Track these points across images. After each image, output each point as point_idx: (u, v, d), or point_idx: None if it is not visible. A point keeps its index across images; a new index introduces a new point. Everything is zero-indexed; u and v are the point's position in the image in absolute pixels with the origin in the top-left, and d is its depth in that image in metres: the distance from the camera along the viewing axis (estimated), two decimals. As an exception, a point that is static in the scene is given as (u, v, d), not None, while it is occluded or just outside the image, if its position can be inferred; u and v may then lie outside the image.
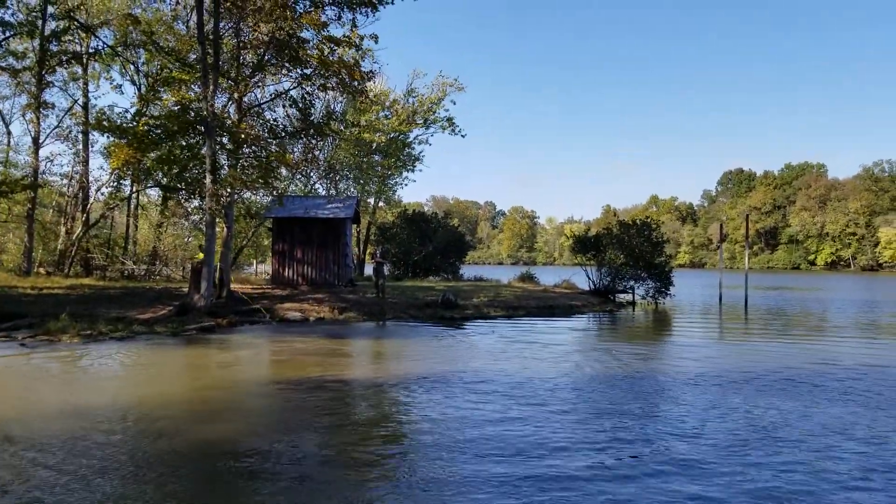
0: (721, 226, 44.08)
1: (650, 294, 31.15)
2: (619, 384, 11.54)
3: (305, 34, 22.70)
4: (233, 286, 24.27)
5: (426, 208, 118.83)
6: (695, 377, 12.20)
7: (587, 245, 32.05)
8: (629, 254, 30.55)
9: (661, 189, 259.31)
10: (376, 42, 23.66)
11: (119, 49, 31.23)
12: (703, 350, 16.20)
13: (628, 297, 31.75)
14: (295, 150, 30.40)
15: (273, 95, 26.02)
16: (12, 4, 27.66)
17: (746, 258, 34.00)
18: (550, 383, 11.46)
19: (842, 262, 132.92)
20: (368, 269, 37.71)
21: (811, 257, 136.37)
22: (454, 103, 49.75)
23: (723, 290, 33.68)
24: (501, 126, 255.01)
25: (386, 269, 26.44)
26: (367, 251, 45.06)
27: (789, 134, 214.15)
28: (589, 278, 32.18)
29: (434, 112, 44.08)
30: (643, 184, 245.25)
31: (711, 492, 6.33)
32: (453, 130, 44.50)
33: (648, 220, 33.61)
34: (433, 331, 19.55)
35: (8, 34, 27.49)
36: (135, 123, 22.60)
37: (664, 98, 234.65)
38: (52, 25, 29.93)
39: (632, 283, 31.36)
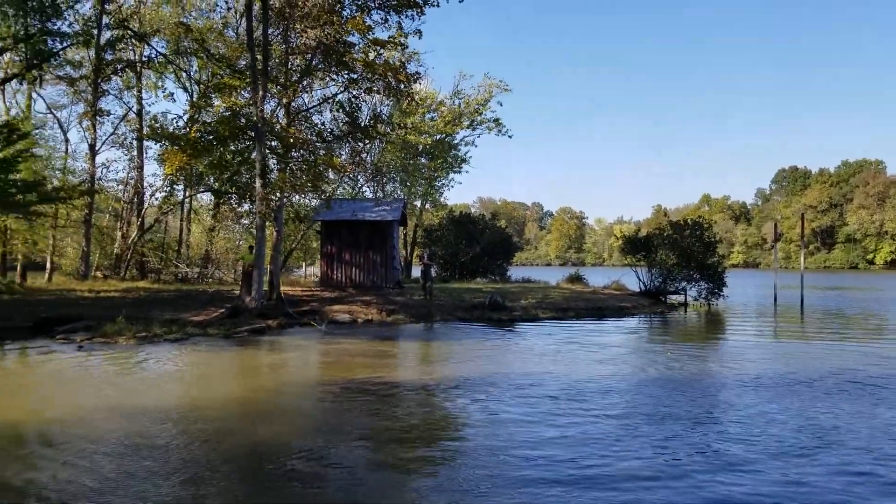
0: (775, 225, 43.05)
1: (702, 295, 30.53)
2: (673, 387, 11.29)
3: (352, 38, 22.86)
4: (282, 289, 24.54)
5: (473, 210, 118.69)
6: (751, 380, 11.87)
7: (637, 246, 31.57)
8: (681, 254, 29.99)
9: (714, 188, 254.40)
10: (420, 37, 23.67)
11: (171, 57, 31.87)
12: (758, 352, 15.78)
13: (680, 298, 31.15)
14: (342, 153, 30.63)
15: (321, 100, 26.26)
16: (69, 15, 28.44)
17: (802, 258, 33.14)
18: (601, 386, 11.28)
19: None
20: (416, 272, 37.78)
21: (869, 256, 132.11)
22: (500, 104, 49.60)
23: (778, 291, 32.83)
24: (549, 126, 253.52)
25: (433, 272, 26.44)
26: (414, 253, 45.14)
27: (846, 131, 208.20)
28: (639, 279, 31.69)
29: (480, 113, 44.00)
30: (695, 183, 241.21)
31: (765, 499, 6.12)
32: (500, 131, 44.36)
33: (700, 219, 32.97)
34: (481, 333, 19.46)
35: (65, 44, 28.28)
36: (187, 130, 23.00)
37: (716, 96, 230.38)
38: (106, 35, 30.71)
39: (683, 284, 30.77)
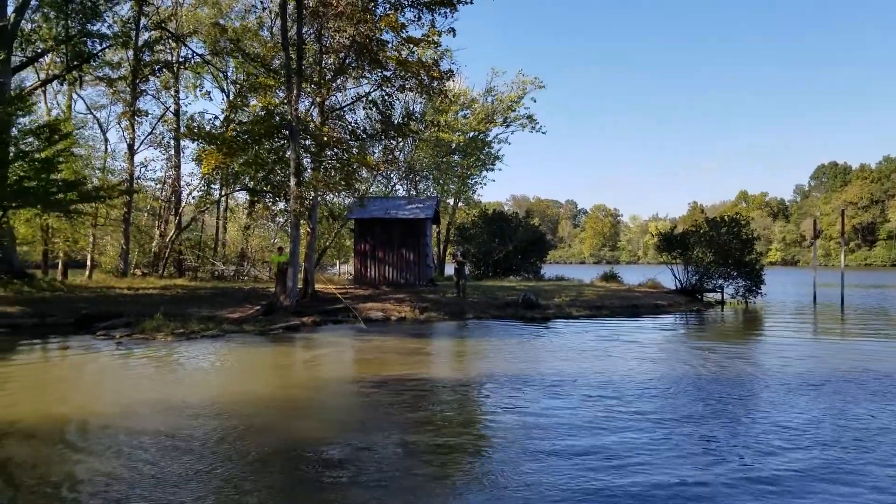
0: (815, 222, 42.15)
1: (740, 293, 30.08)
2: (709, 386, 11.13)
3: (385, 36, 22.93)
4: (317, 286, 24.72)
5: (506, 208, 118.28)
6: (790, 379, 11.65)
7: (673, 243, 31.21)
8: (717, 251, 29.59)
9: (751, 184, 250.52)
10: (454, 35, 23.68)
11: (208, 57, 32.28)
12: (797, 350, 15.46)
13: (717, 296, 30.73)
14: (375, 151, 30.75)
15: (354, 98, 26.39)
16: (108, 17, 28.95)
17: (842, 255, 32.48)
18: (635, 385, 11.16)
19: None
20: (449, 270, 37.80)
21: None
22: (534, 101, 49.43)
23: (817, 289, 32.19)
24: (584, 123, 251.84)
25: (467, 269, 26.43)
26: (448, 251, 45.16)
27: (888, 125, 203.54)
28: (675, 277, 31.33)
29: (514, 110, 43.84)
30: (731, 179, 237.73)
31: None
32: (533, 128, 44.17)
33: (738, 216, 32.48)
34: (514, 331, 19.39)
35: (104, 45, 28.79)
36: (223, 129, 23.28)
37: (752, 93, 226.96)
38: (144, 36, 31.22)
39: (720, 281, 30.35)
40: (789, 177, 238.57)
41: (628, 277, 38.03)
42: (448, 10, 23.02)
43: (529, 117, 43.94)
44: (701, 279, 30.46)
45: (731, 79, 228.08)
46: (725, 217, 32.03)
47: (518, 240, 40.04)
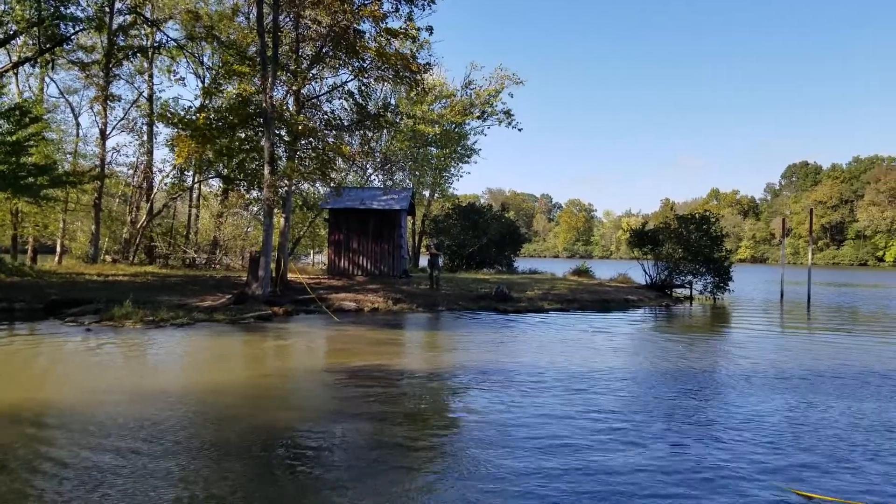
0: (784, 220, 42.94)
1: (708, 289, 30.54)
2: (674, 380, 11.38)
3: (363, 26, 22.90)
4: (290, 276, 24.69)
5: (482, 200, 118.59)
6: (752, 374, 11.93)
7: (644, 239, 31.58)
8: (687, 248, 30.01)
9: (723, 182, 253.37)
10: (430, 33, 23.77)
11: (183, 42, 31.96)
12: (761, 347, 15.78)
13: (685, 291, 31.18)
14: (352, 141, 30.70)
15: (330, 88, 26.30)
16: (82, 0, 28.54)
17: (810, 253, 33.11)
18: (603, 378, 11.37)
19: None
20: (423, 261, 37.90)
21: (879, 253, 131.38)
22: (511, 96, 49.57)
23: (785, 286, 32.76)
24: (560, 119, 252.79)
25: (440, 261, 26.56)
26: (422, 243, 45.26)
27: (858, 126, 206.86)
28: (645, 272, 31.73)
29: (491, 105, 43.97)
30: (703, 177, 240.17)
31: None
32: (510, 123, 44.32)
33: (707, 213, 32.94)
34: (486, 323, 19.56)
35: (78, 29, 28.39)
36: (197, 116, 23.12)
37: (725, 91, 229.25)
38: (119, 20, 30.82)
39: (689, 277, 30.79)
40: (760, 175, 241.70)
41: (600, 272, 38.40)
42: (426, 2, 23.04)
43: (507, 112, 44.10)
44: (671, 275, 30.89)
45: (707, 77, 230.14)
46: (696, 214, 32.45)
47: (492, 233, 40.25)
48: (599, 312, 23.43)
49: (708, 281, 30.57)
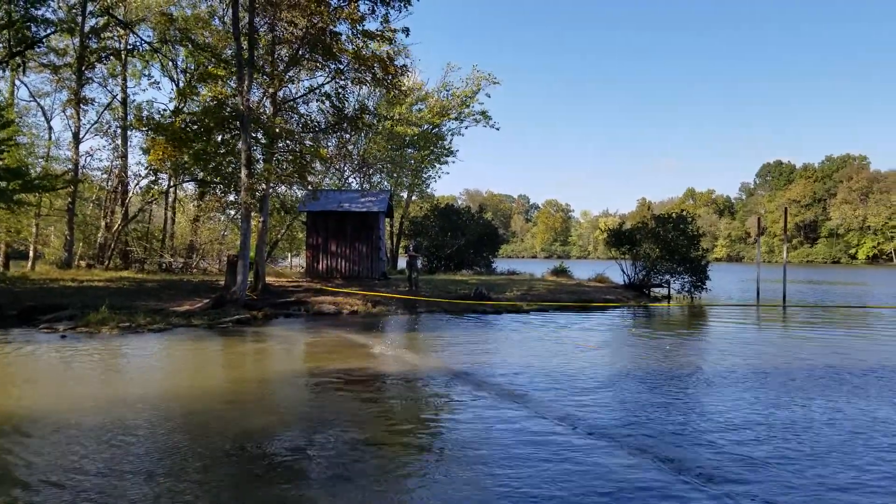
0: (759, 219, 43.34)
1: (686, 288, 30.78)
2: (653, 379, 11.46)
3: (339, 28, 22.82)
4: (268, 279, 24.54)
5: (460, 202, 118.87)
6: (729, 373, 12.05)
7: (621, 239, 31.77)
8: (664, 247, 30.22)
9: (698, 182, 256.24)
10: (407, 35, 23.72)
11: (157, 45, 31.66)
12: (738, 345, 15.94)
13: (663, 291, 31.39)
14: (329, 144, 30.56)
15: (307, 90, 26.18)
16: (53, 2, 28.17)
17: (785, 252, 33.49)
18: (582, 378, 11.41)
19: (884, 256, 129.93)
20: (402, 263, 37.84)
21: (852, 251, 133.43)
22: (489, 96, 49.78)
23: (760, 285, 33.11)
24: (537, 119, 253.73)
25: (419, 263, 26.54)
26: (401, 245, 45.22)
27: (831, 125, 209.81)
28: (623, 272, 31.91)
29: (468, 105, 44.05)
30: (680, 177, 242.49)
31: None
32: (487, 123, 44.43)
33: (684, 213, 33.21)
34: (466, 324, 19.57)
35: (49, 31, 28.04)
36: (173, 119, 22.90)
37: (702, 90, 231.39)
38: (91, 22, 30.45)
39: (667, 277, 31.01)
40: (736, 175, 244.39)
41: (578, 272, 38.57)
42: (402, 4, 23.00)
43: (483, 113, 44.25)
44: (648, 275, 31.10)
45: (681, 77, 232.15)
46: (672, 214, 32.71)
47: (470, 234, 40.29)
48: (579, 313, 23.53)
49: (685, 280, 30.80)
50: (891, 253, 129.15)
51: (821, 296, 34.53)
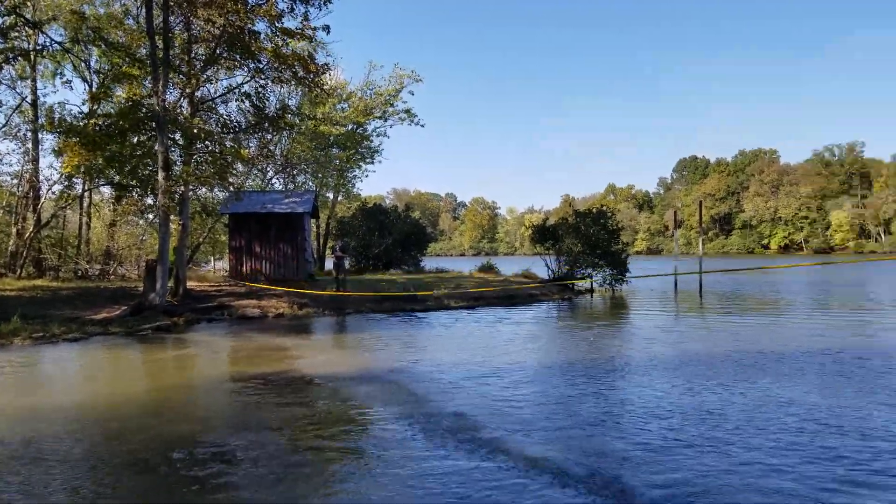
0: (675, 213, 44.85)
1: (607, 281, 31.59)
2: (578, 371, 11.76)
3: (258, 26, 22.48)
4: (189, 284, 24.02)
5: (387, 201, 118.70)
6: (646, 361, 12.47)
7: (545, 234, 32.38)
8: (586, 242, 30.94)
9: (619, 178, 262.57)
10: (327, 33, 23.56)
11: (68, 45, 30.51)
12: (656, 333, 16.49)
13: (586, 284, 32.14)
14: (251, 144, 30.08)
15: (226, 90, 25.71)
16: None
17: (700, 244, 34.61)
18: (510, 372, 11.62)
19: (794, 246, 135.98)
20: (329, 264, 37.55)
21: (765, 241, 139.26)
22: (412, 94, 49.85)
23: (678, 276, 34.26)
24: (459, 117, 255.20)
25: (346, 263, 26.42)
26: (327, 245, 44.84)
27: (743, 121, 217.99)
28: (548, 267, 32.53)
29: (392, 104, 43.98)
30: (602, 173, 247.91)
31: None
32: (412, 121, 44.47)
33: (604, 208, 34.06)
34: (394, 324, 19.62)
35: (-51, 31, 26.66)
36: (85, 122, 22.14)
37: (622, 87, 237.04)
38: (-4, 21, 29.09)
39: (589, 270, 31.75)
40: (655, 170, 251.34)
41: (505, 268, 39.12)
42: (321, 1, 22.82)
43: (408, 111, 44.23)
44: (572, 269, 31.78)
45: (601, 74, 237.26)
46: (593, 209, 33.51)
47: (398, 233, 40.29)
48: (506, 308, 23.89)
49: (607, 273, 31.61)
50: (801, 242, 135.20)
51: (736, 286, 35.94)
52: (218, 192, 30.90)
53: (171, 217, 22.11)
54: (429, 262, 45.50)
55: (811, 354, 13.00)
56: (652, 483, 6.24)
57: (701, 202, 42.24)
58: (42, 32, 30.17)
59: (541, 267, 33.37)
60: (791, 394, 9.65)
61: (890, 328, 17.30)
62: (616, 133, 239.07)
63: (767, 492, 6.00)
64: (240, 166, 29.46)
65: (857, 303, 24.66)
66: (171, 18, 21.73)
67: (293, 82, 24.02)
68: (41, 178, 33.31)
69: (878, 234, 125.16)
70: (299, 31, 22.87)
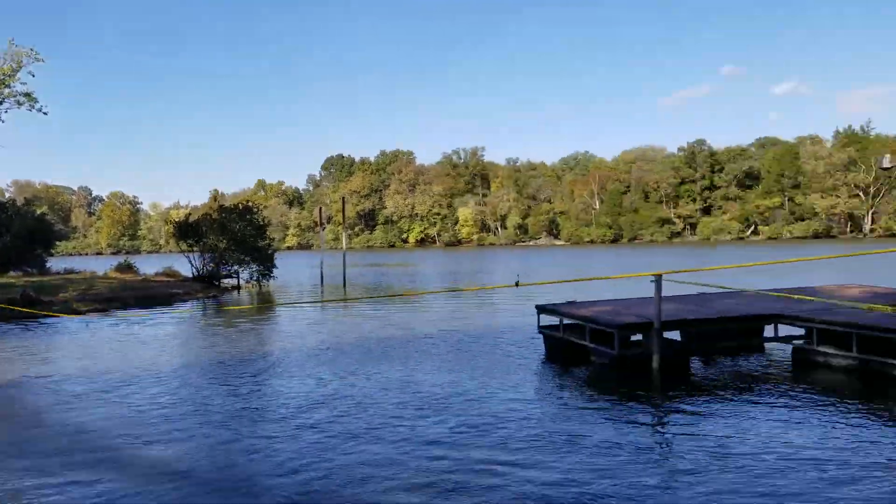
0: (321, 209, 46.51)
1: (255, 277, 31.77)
2: (216, 372, 11.92)
3: None
4: None
5: (7, 194, 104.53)
6: (296, 351, 13.08)
7: (188, 231, 31.48)
8: (231, 238, 30.76)
9: (269, 174, 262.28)
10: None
11: None
12: (301, 324, 17.24)
13: (233, 281, 31.97)
14: None
15: None
16: None
17: (344, 239, 36.61)
18: (144, 378, 11.37)
19: (429, 239, 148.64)
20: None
21: (404, 236, 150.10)
22: (33, 75, 44.50)
23: (325, 270, 35.68)
24: (98, 107, 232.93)
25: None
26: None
27: (385, 122, 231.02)
28: (192, 265, 31.68)
29: (7, 85, 38.91)
30: (253, 168, 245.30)
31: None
32: (32, 107, 39.79)
33: (250, 204, 34.14)
34: (9, 333, 17.69)
35: None
36: None
37: (274, 82, 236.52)
38: None
39: (236, 267, 31.64)
40: (305, 167, 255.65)
41: (147, 267, 37.19)
42: None
43: (27, 94, 39.49)
44: (217, 266, 31.37)
45: (258, 72, 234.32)
46: (239, 205, 33.41)
47: (18, 230, 35.93)
48: (144, 309, 22.82)
49: (254, 269, 31.78)
50: (434, 236, 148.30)
51: (378, 278, 38.55)
52: None
53: None
54: (59, 263, 41.42)
55: (432, 339, 14.73)
56: (278, 472, 6.76)
57: (344, 199, 44.48)
58: None
59: (185, 265, 32.37)
60: (402, 375, 10.95)
61: (501, 311, 20.17)
62: (265, 130, 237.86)
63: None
64: None
65: (474, 284, 28.15)
66: None
67: None
68: None
69: (496, 228, 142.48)
70: None
